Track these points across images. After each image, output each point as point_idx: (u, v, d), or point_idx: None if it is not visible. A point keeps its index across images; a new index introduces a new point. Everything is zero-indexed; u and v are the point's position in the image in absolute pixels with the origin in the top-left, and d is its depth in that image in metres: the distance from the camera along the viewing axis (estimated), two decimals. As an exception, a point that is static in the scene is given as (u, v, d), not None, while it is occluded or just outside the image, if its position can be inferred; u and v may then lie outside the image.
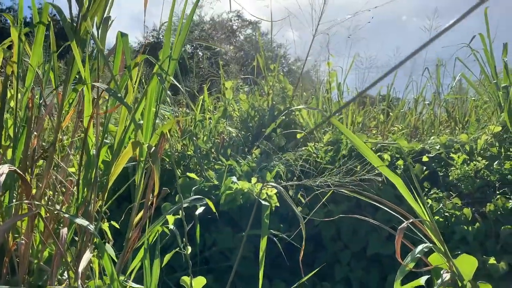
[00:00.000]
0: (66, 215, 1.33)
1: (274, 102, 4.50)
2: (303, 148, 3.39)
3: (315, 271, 2.02)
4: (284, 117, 3.84)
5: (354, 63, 5.77)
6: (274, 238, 2.50)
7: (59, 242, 1.32)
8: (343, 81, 5.47)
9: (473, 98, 5.24)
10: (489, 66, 3.78)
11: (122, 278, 1.52)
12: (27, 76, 1.52)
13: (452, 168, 2.99)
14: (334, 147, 3.13)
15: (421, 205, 1.34)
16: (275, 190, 2.46)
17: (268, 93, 4.75)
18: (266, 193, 2.46)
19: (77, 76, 1.93)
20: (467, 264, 1.39)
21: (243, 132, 4.28)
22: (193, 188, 2.58)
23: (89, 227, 1.19)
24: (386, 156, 2.96)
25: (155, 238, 1.39)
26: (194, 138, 3.28)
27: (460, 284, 1.34)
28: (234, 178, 2.52)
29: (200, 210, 2.22)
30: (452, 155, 3.04)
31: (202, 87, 4.46)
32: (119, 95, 1.31)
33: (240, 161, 3.27)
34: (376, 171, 2.86)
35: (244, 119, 4.44)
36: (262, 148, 3.63)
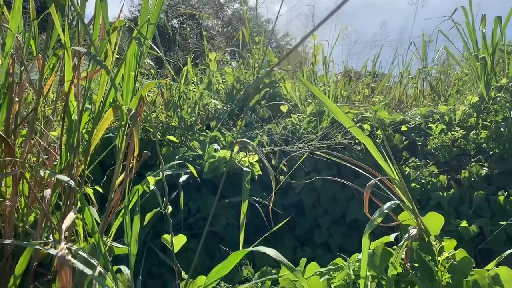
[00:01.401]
0: (48, 171, 1.37)
1: (259, 75, 4.52)
2: (286, 120, 3.45)
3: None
4: (268, 89, 3.87)
5: (340, 37, 5.79)
6: (257, 205, 2.57)
7: (43, 203, 1.36)
8: (329, 54, 5.49)
9: (456, 72, 5.33)
10: (470, 39, 3.83)
11: (105, 238, 1.58)
12: (7, 41, 1.53)
13: (431, 138, 3.08)
14: (317, 118, 3.19)
15: (390, 165, 1.41)
16: (257, 157, 2.52)
17: (253, 66, 4.77)
18: (249, 161, 2.52)
19: (57, 45, 1.94)
20: (434, 221, 1.48)
21: (228, 105, 4.31)
22: (177, 157, 2.63)
23: (70, 183, 1.23)
24: (366, 126, 3.02)
25: (137, 199, 1.44)
26: (178, 110, 3.30)
27: (426, 239, 1.42)
28: (216, 146, 2.57)
29: (183, 178, 2.27)
30: (430, 125, 3.12)
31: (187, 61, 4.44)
32: (98, 58, 1.34)
33: (225, 132, 3.32)
34: (357, 140, 2.94)
35: (229, 92, 4.47)
36: (246, 120, 3.68)
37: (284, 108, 3.51)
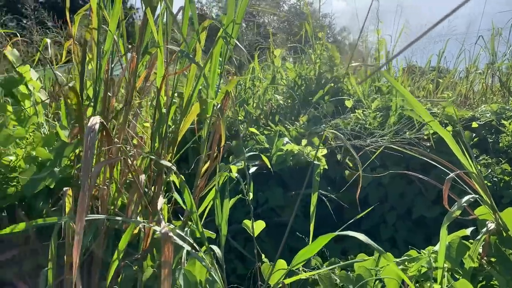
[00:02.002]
0: (153, 157, 1.52)
1: (321, 71, 4.55)
2: (351, 115, 3.46)
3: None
4: (332, 85, 3.90)
5: (403, 31, 5.68)
6: (324, 198, 2.63)
7: (139, 185, 1.51)
8: (392, 49, 5.41)
9: (530, 67, 5.07)
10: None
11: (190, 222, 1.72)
12: (106, 41, 1.69)
13: (503, 135, 2.98)
14: (383, 113, 3.18)
15: (468, 159, 1.42)
16: (324, 152, 2.57)
17: (315, 61, 4.80)
18: (316, 155, 2.58)
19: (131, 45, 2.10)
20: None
21: (289, 100, 4.39)
22: (245, 150, 2.75)
23: (172, 167, 1.36)
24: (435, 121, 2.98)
25: (222, 183, 1.55)
26: (245, 105, 3.42)
27: (504, 234, 1.42)
28: (286, 139, 2.65)
29: (253, 169, 2.38)
30: (503, 121, 3.02)
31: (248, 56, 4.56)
32: (191, 56, 1.46)
33: (288, 126, 3.40)
34: (425, 136, 2.91)
35: (291, 87, 4.54)
36: (310, 115, 3.73)
37: (349, 104, 3.53)
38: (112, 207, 1.98)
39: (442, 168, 1.57)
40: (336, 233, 1.23)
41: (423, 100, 4.66)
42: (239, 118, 3.43)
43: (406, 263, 1.49)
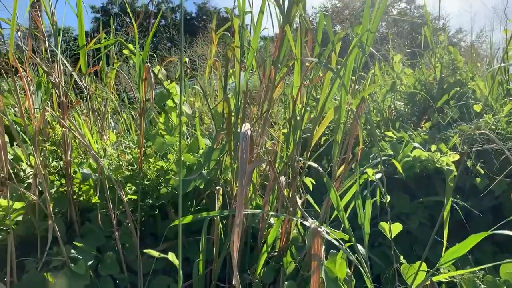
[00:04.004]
0: (299, 160, 1.66)
1: (442, 75, 4.37)
2: (479, 120, 3.27)
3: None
4: (458, 89, 3.73)
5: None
6: (456, 206, 2.54)
7: (281, 185, 1.65)
8: (522, 49, 4.96)
9: None
10: None
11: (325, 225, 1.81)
12: (249, 57, 1.88)
13: None
14: (517, 117, 2.97)
15: None
16: (456, 157, 2.49)
17: (435, 66, 4.61)
18: (446, 162, 2.51)
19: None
20: None
21: (409, 106, 4.28)
22: (370, 156, 2.77)
23: (313, 164, 1.48)
24: None
25: (360, 185, 1.62)
26: (367, 111, 3.43)
27: None
28: (416, 144, 2.62)
29: (379, 175, 2.40)
30: None
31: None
32: (329, 66, 1.57)
33: (411, 133, 3.33)
34: None
35: (411, 93, 4.42)
36: (432, 121, 3.61)
37: (477, 108, 3.34)
38: (250, 207, 2.16)
39: None
40: (490, 232, 1.22)
41: None
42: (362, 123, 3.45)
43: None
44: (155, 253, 1.23)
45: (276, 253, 1.97)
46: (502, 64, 4.57)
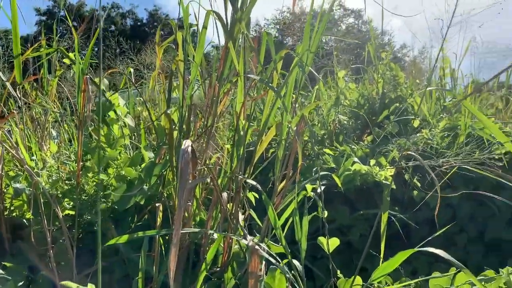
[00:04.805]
0: (240, 177, 1.66)
1: (384, 90, 4.56)
2: (417, 135, 3.45)
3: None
4: (398, 104, 3.90)
5: (469, 48, 5.54)
6: (393, 218, 2.64)
7: (222, 201, 1.65)
8: (457, 67, 5.30)
9: None
10: None
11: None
12: (192, 71, 1.88)
13: None
14: (451, 133, 3.15)
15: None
16: (392, 172, 2.60)
17: (377, 81, 4.82)
18: (385, 176, 2.62)
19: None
20: None
21: (352, 120, 4.43)
22: (313, 169, 2.83)
23: (258, 186, 1.49)
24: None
25: (299, 201, 1.65)
26: (311, 125, 3.52)
27: None
28: (355, 159, 2.71)
29: (321, 188, 2.46)
30: None
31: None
32: (271, 84, 1.60)
33: (353, 146, 3.44)
34: (497, 156, 2.84)
35: (354, 107, 4.58)
36: (374, 135, 3.75)
37: (415, 123, 3.52)
38: (193, 223, 2.13)
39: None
40: (415, 249, 1.28)
41: (493, 119, 4.52)
42: (305, 138, 3.53)
43: (483, 283, 1.50)
44: (73, 285, 1.18)
45: (218, 269, 1.96)
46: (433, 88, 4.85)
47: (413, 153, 1.51)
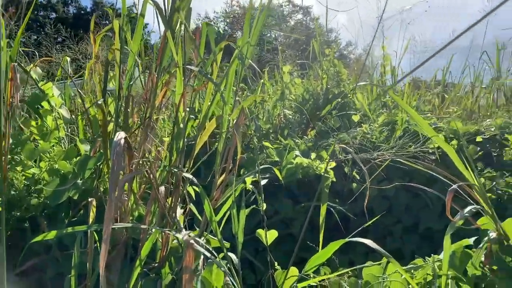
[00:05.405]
0: (175, 170, 1.62)
1: (328, 86, 4.67)
2: (357, 129, 3.55)
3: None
4: (339, 100, 4.00)
5: (408, 46, 5.79)
6: (333, 210, 2.71)
7: (159, 196, 1.61)
8: (398, 64, 5.53)
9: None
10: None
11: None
12: (128, 60, 1.81)
13: (507, 149, 3.06)
14: (388, 128, 3.27)
15: (470, 172, 1.50)
16: (333, 165, 2.66)
17: (322, 77, 4.92)
18: (325, 168, 2.67)
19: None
20: (513, 227, 1.55)
21: (298, 115, 4.50)
22: (256, 163, 2.84)
23: (194, 180, 1.46)
24: (440, 136, 3.07)
25: (237, 194, 1.64)
26: (255, 119, 3.53)
27: (505, 243, 1.50)
28: (297, 152, 2.74)
29: (264, 181, 2.47)
30: (507, 135, 3.09)
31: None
32: (209, 76, 1.57)
33: (297, 140, 3.49)
34: (430, 150, 2.99)
35: (299, 102, 4.65)
36: (317, 129, 3.83)
37: (356, 118, 3.62)
38: (131, 218, 2.07)
39: (447, 181, 1.65)
40: (346, 239, 1.32)
41: (430, 115, 4.75)
42: (249, 132, 3.53)
43: (412, 271, 1.56)
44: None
45: (156, 265, 1.92)
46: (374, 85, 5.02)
47: (346, 147, 1.54)
